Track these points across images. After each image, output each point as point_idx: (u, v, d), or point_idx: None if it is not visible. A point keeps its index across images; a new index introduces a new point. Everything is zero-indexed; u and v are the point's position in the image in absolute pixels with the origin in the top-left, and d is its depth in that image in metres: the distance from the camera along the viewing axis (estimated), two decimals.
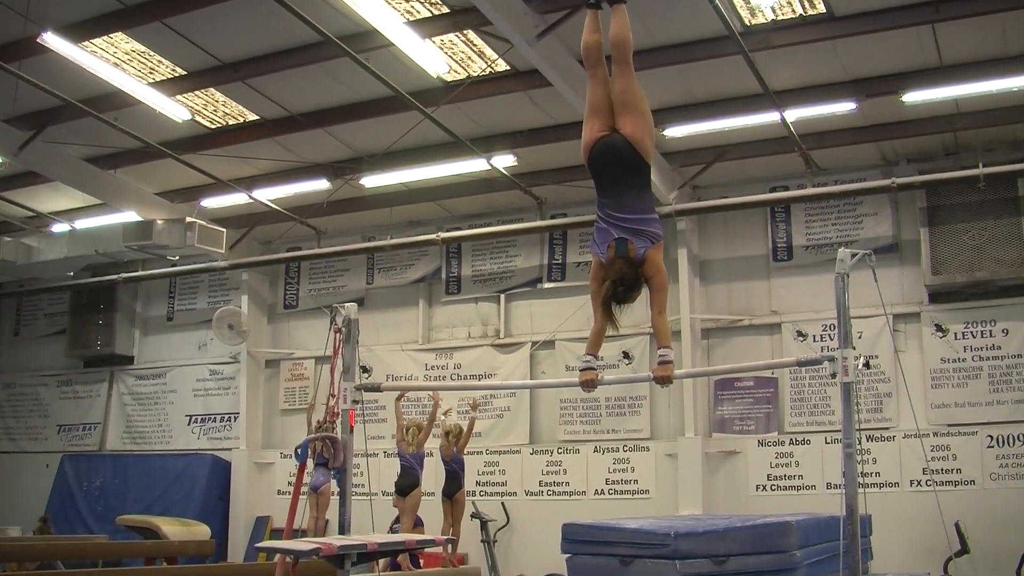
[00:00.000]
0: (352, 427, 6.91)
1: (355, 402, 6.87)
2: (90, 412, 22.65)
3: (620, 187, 6.71)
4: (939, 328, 15.63)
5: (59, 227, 20.02)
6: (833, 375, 5.76)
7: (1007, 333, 15.28)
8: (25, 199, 19.07)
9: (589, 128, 6.74)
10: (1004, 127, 14.95)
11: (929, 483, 14.97)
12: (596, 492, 17.34)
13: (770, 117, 14.51)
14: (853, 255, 5.85)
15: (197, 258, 19.82)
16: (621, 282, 6.68)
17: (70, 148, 16.29)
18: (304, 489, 10.83)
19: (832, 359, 5.78)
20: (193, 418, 21.44)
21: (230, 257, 19.47)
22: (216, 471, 20.37)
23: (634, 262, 6.63)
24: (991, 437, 15.10)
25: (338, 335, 7.15)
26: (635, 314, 17.31)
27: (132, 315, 22.52)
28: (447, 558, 12.01)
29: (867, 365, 15.30)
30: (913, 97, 13.95)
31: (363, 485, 7.30)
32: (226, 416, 20.98)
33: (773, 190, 16.71)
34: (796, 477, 16.08)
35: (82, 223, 19.66)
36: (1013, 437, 15.00)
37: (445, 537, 9.06)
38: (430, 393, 12.67)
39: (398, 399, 12.61)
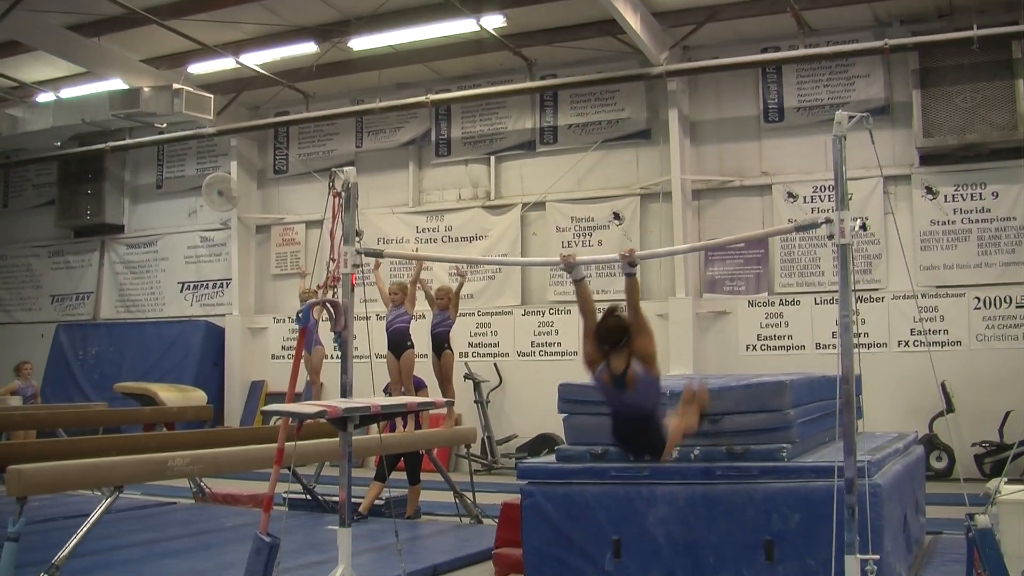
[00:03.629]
0: (353, 290, 6.97)
1: (355, 266, 6.91)
2: (82, 282, 22.76)
3: None
4: (929, 190, 15.67)
5: (44, 97, 19.76)
6: (830, 237, 5.78)
7: (997, 196, 15.35)
8: (8, 69, 18.84)
9: None
10: None
11: (916, 344, 15.21)
12: None
13: None
14: (851, 118, 5.82)
15: (185, 125, 19.69)
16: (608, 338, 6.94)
17: (52, 16, 15.98)
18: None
19: (829, 221, 5.80)
20: (185, 285, 21.56)
21: (218, 123, 19.33)
22: (210, 337, 20.56)
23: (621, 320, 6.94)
24: (978, 299, 15.28)
25: (337, 199, 7.15)
26: (625, 175, 17.35)
27: (121, 184, 22.47)
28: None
29: (864, 227, 15.36)
30: None
31: (358, 348, 7.37)
32: (218, 282, 21.09)
33: (765, 51, 16.55)
34: (785, 337, 16.30)
35: (67, 92, 19.40)
36: (1000, 299, 15.19)
37: (445, 399, 9.18)
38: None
39: (375, 268, 12.62)
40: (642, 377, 6.84)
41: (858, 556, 5.64)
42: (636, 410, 6.92)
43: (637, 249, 16.45)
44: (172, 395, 15.35)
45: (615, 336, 6.84)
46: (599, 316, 7.08)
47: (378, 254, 7.44)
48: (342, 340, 7.02)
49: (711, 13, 15.77)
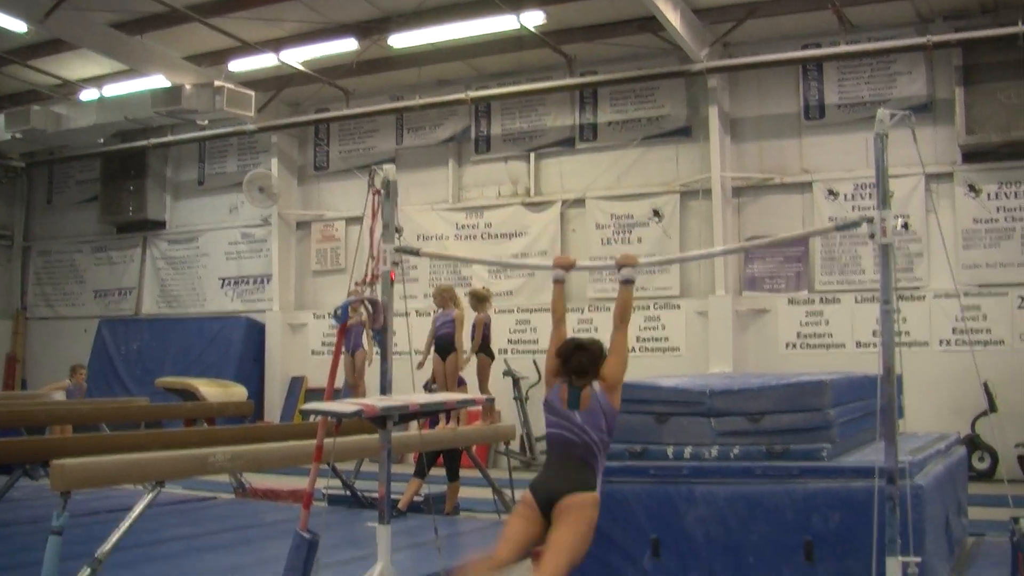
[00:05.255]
0: (393, 286, 6.96)
1: (394, 264, 6.90)
2: (125, 277, 22.96)
3: None
4: (972, 188, 15.52)
5: (88, 94, 19.93)
6: (871, 236, 5.71)
7: None
8: (53, 67, 19.06)
9: None
10: None
11: (958, 343, 15.05)
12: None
13: None
14: (892, 115, 5.75)
15: (226, 122, 19.78)
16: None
17: (96, 14, 16.16)
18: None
19: (870, 220, 5.73)
20: (226, 281, 21.69)
21: (259, 120, 19.42)
22: (250, 333, 20.70)
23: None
24: (1022, 298, 15.12)
25: (376, 197, 7.15)
26: (665, 172, 17.23)
27: (163, 180, 22.63)
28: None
29: (906, 227, 15.25)
30: None
31: (396, 344, 7.37)
32: (259, 278, 21.21)
33: (805, 48, 16.47)
34: (825, 335, 16.19)
35: (110, 90, 19.55)
36: None
37: (486, 396, 9.16)
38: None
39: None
40: (600, 401, 5.90)
41: (899, 558, 5.58)
42: (579, 435, 5.86)
43: (677, 249, 16.56)
44: (213, 390, 15.46)
45: (583, 370, 5.93)
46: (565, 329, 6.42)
47: (414, 252, 7.44)
48: (382, 338, 7.03)
49: (751, 9, 15.69)
